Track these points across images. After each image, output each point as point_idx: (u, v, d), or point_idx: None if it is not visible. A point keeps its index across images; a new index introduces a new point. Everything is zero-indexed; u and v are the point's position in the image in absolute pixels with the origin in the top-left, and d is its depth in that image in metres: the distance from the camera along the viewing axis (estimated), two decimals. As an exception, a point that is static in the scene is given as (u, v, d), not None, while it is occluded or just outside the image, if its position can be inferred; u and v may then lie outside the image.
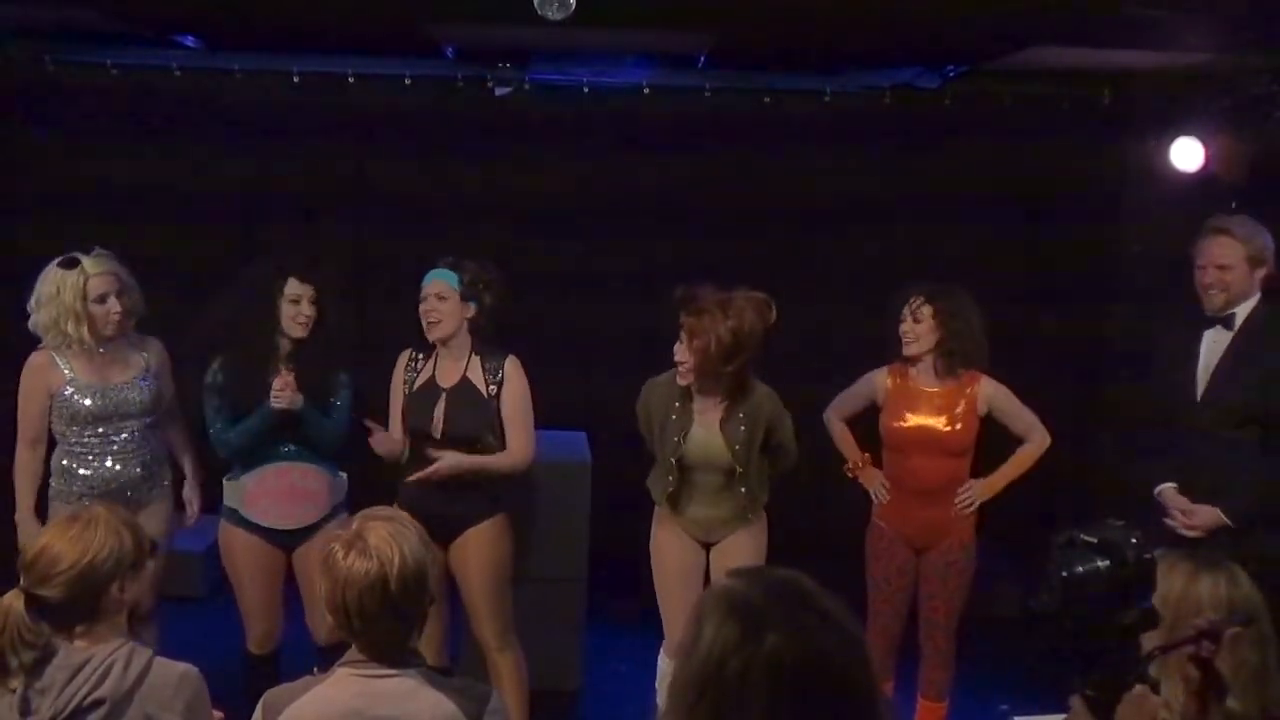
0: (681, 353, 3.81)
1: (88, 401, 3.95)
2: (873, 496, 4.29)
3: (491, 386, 4.00)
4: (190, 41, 5.32)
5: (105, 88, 5.67)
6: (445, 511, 3.91)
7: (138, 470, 4.04)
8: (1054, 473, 5.70)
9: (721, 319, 3.69)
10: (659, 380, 4.03)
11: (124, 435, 4.01)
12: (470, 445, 3.97)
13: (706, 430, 3.92)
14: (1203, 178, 4.95)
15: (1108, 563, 1.95)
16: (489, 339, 4.07)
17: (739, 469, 3.92)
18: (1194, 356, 4.02)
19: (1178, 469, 4.03)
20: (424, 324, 3.97)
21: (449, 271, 3.97)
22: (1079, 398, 5.98)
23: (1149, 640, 2.02)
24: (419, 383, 4.04)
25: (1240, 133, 4.76)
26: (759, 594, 1.43)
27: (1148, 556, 1.94)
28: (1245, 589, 2.34)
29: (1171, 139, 5.01)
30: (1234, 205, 4.78)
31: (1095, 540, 1.98)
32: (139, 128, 5.79)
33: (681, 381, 3.89)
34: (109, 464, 4.00)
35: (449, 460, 3.91)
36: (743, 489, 3.98)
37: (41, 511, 4.01)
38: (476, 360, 4.03)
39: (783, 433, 4.03)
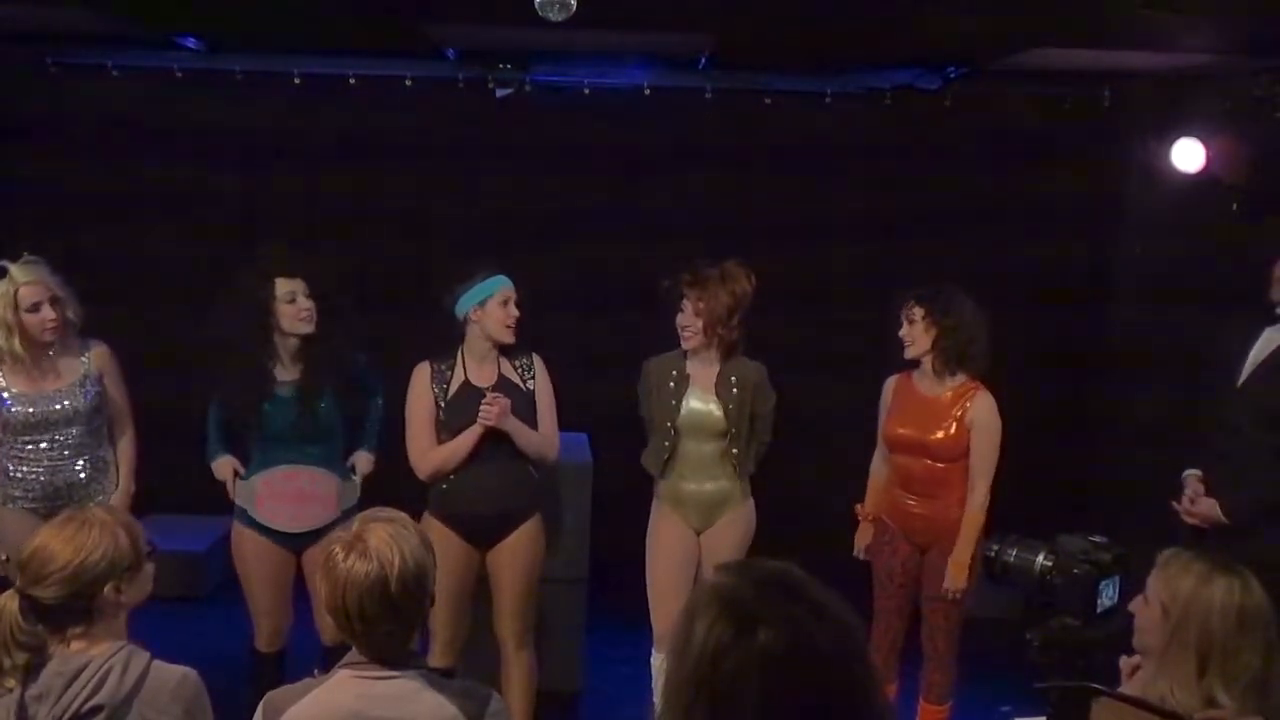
0: (687, 318, 4.14)
1: (22, 410, 3.89)
2: (855, 547, 4.39)
3: (529, 382, 4.10)
4: (191, 43, 5.33)
5: (106, 89, 5.67)
6: (486, 515, 4.02)
7: (80, 475, 4.01)
8: (1056, 474, 5.73)
9: (720, 284, 4.10)
10: (657, 358, 4.31)
11: (63, 441, 3.96)
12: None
13: (702, 394, 4.19)
14: (1203, 178, 4.95)
15: (1046, 563, 1.98)
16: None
17: (731, 430, 4.15)
18: (1245, 350, 4.01)
19: (1205, 458, 4.05)
20: (500, 329, 3.99)
21: (507, 277, 4.04)
22: (1079, 398, 5.98)
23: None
24: (454, 389, 4.05)
25: (1240, 133, 4.76)
26: (749, 589, 1.42)
27: (1077, 573, 1.95)
28: (1257, 597, 2.34)
29: (1172, 139, 5.00)
30: (1235, 206, 4.78)
31: (1057, 541, 2.01)
32: (140, 129, 5.79)
33: (687, 345, 4.18)
34: (48, 469, 3.95)
35: (501, 409, 3.91)
36: (734, 450, 4.18)
37: None
38: (504, 360, 4.10)
39: (764, 406, 4.26)
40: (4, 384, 3.90)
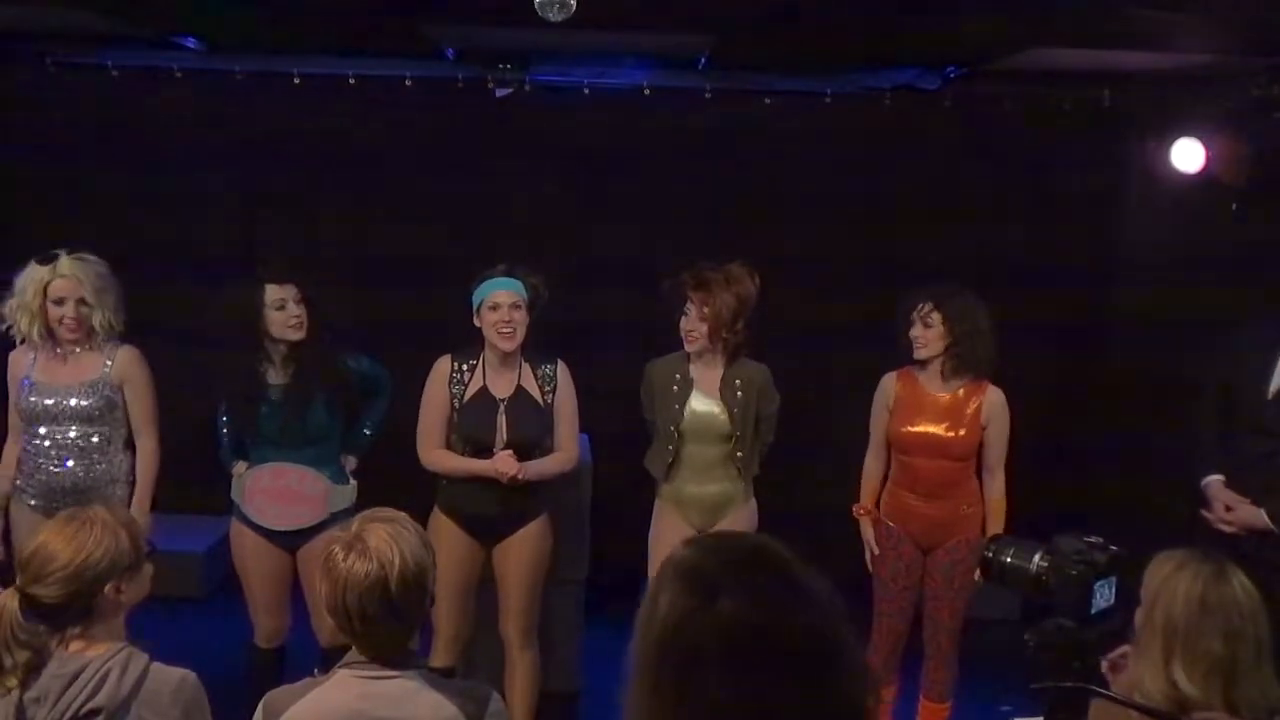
0: (691, 322, 4.10)
1: (37, 399, 3.93)
2: (866, 545, 4.31)
3: (548, 395, 4.07)
4: (191, 43, 5.33)
5: (106, 89, 5.67)
6: (494, 513, 4.03)
7: (84, 476, 3.97)
8: (1059, 475, 5.73)
9: (725, 286, 4.06)
10: (659, 360, 4.28)
11: (57, 438, 3.94)
12: (529, 453, 4.04)
13: (706, 397, 4.16)
14: (1203, 179, 4.95)
15: (1042, 564, 1.98)
16: (534, 343, 4.11)
17: (736, 434, 4.13)
18: (1274, 352, 3.94)
19: (1229, 463, 3.98)
20: (494, 334, 3.96)
21: (515, 280, 3.99)
22: (1079, 398, 5.97)
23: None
24: (470, 394, 4.03)
25: (1240, 134, 4.76)
26: (713, 561, 1.42)
27: (1073, 574, 1.95)
28: (1230, 588, 2.34)
29: (1172, 140, 5.00)
30: (1234, 207, 4.78)
31: (1053, 542, 2.01)
32: (140, 129, 5.79)
33: (691, 349, 4.15)
34: (51, 464, 3.95)
35: (515, 468, 3.93)
36: (739, 454, 4.16)
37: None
38: (528, 368, 4.07)
39: (769, 408, 4.25)
40: (30, 368, 3.95)
